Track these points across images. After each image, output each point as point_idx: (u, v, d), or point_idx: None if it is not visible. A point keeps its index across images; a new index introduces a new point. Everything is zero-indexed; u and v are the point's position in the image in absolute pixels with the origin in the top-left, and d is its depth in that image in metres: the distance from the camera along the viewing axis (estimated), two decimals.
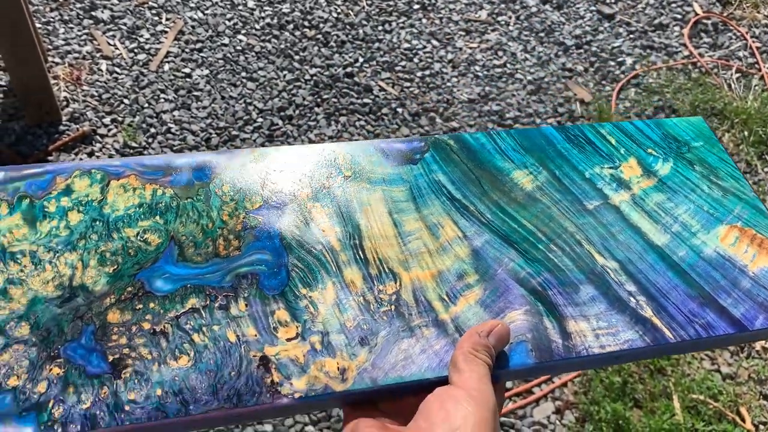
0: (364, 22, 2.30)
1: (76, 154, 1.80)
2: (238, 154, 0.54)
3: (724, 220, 0.56)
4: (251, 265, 0.48)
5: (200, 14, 2.24)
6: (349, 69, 2.14)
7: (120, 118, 1.90)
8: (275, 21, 2.26)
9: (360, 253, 0.50)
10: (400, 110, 2.04)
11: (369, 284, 0.48)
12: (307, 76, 2.10)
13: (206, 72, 2.06)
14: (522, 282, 0.50)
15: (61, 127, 1.85)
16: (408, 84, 2.12)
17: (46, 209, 0.49)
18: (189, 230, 0.49)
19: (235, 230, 0.50)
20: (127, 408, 0.40)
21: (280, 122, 1.96)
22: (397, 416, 0.43)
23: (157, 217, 0.49)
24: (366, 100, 2.05)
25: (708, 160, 0.61)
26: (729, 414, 1.45)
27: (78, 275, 0.46)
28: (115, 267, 0.47)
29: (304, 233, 0.50)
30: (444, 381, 0.43)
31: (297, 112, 1.99)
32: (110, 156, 1.81)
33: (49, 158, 1.78)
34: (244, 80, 2.06)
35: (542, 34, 2.35)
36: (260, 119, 1.95)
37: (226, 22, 2.23)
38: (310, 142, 1.92)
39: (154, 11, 2.22)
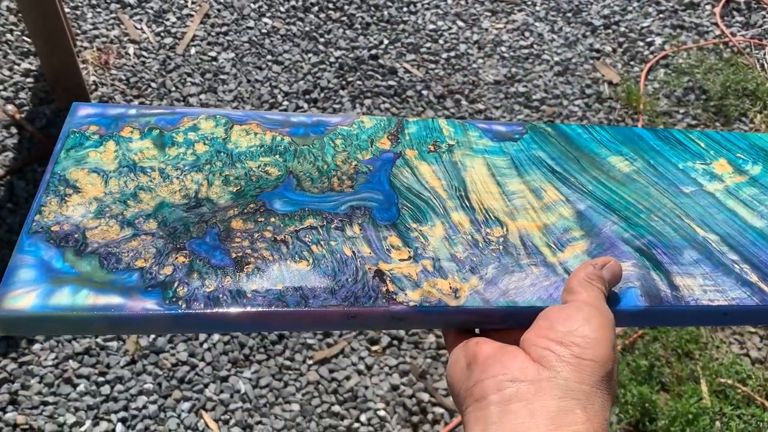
0: (389, 4, 2.29)
1: None
2: (351, 117, 0.57)
3: None
4: (363, 200, 0.50)
5: None
6: (374, 51, 2.13)
7: (148, 102, 1.92)
8: (300, 3, 2.25)
9: (466, 202, 0.51)
10: (425, 92, 2.03)
11: (476, 227, 0.49)
12: (332, 59, 2.09)
13: (232, 55, 2.07)
14: (627, 241, 0.50)
15: None
16: (433, 66, 2.11)
17: (174, 139, 0.53)
18: (305, 168, 0.52)
19: (348, 173, 0.52)
20: (249, 295, 0.43)
21: (306, 105, 1.96)
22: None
23: (277, 156, 0.53)
24: (391, 83, 2.04)
25: None
26: (758, 398, 1.44)
27: (203, 190, 0.49)
28: (238, 188, 0.50)
29: (412, 182, 0.52)
30: None
31: (322, 95, 2.00)
32: None
33: None
34: (270, 63, 2.06)
35: (569, 14, 2.32)
36: (285, 102, 1.96)
37: (252, 5, 2.23)
38: None
39: None
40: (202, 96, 1.94)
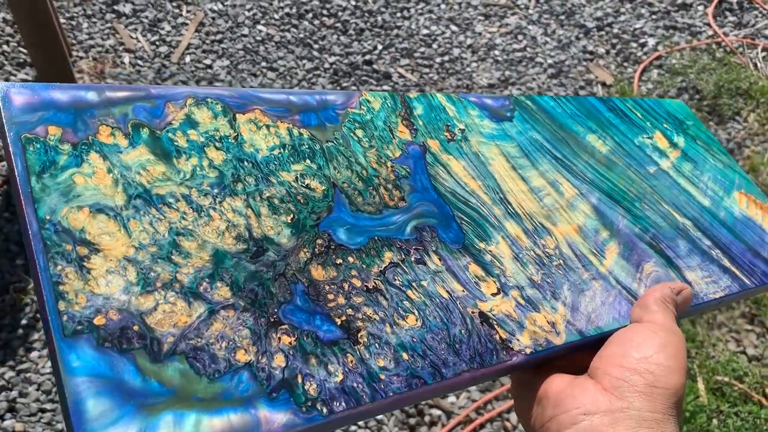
0: (383, 9, 2.30)
1: None
2: (352, 96, 0.50)
3: (732, 187, 0.61)
4: (423, 218, 0.45)
5: (220, 5, 2.26)
6: (368, 56, 2.14)
7: None
8: (294, 10, 2.27)
9: (510, 207, 0.49)
10: None
11: (532, 239, 0.47)
12: (327, 65, 2.11)
13: (227, 63, 2.08)
14: (640, 237, 0.51)
15: None
16: (427, 70, 2.12)
17: (176, 143, 0.41)
18: (346, 176, 0.45)
19: (390, 179, 0.46)
20: (382, 377, 0.36)
21: None
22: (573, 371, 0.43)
23: (308, 161, 0.44)
24: (385, 87, 2.05)
25: (702, 137, 0.65)
26: (755, 396, 1.44)
27: (254, 225, 0.39)
28: (291, 216, 0.41)
29: (454, 186, 0.48)
30: None
31: None
32: None
33: None
34: (264, 70, 2.07)
35: (562, 17, 2.33)
36: None
37: (246, 12, 2.24)
38: None
39: (174, 4, 2.24)
40: None
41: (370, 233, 0.42)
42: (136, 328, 0.32)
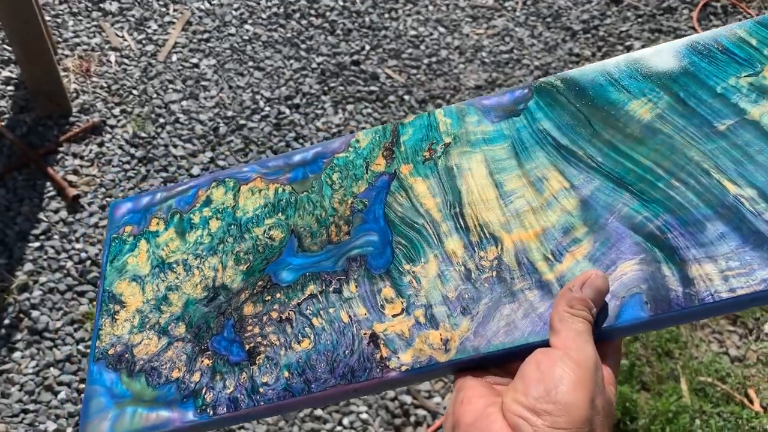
0: (371, 10, 2.30)
1: (87, 144, 1.82)
2: (348, 138, 0.57)
3: None
4: (360, 248, 0.50)
5: (207, 4, 2.25)
6: (355, 57, 2.14)
7: (129, 109, 1.92)
8: (282, 10, 2.26)
9: (461, 221, 0.49)
10: (407, 97, 2.04)
11: (470, 252, 0.48)
12: (314, 65, 2.10)
13: (213, 62, 2.07)
14: (637, 228, 0.45)
15: (71, 119, 1.87)
16: (415, 71, 2.12)
17: (192, 221, 0.56)
18: (306, 222, 0.53)
19: (345, 216, 0.52)
20: (261, 390, 0.46)
21: (288, 111, 1.97)
22: (506, 374, 0.43)
23: (279, 214, 0.54)
24: (373, 88, 2.05)
25: None
26: (737, 396, 1.46)
27: (219, 276, 0.52)
28: (248, 264, 0.52)
29: (407, 210, 0.51)
30: (548, 344, 0.41)
31: (304, 100, 2.00)
32: (120, 147, 1.83)
33: (60, 149, 1.80)
34: (252, 69, 2.07)
35: (549, 19, 2.34)
36: (267, 108, 1.97)
37: (233, 11, 2.24)
38: (318, 130, 1.93)
39: (161, 2, 2.23)
40: (184, 103, 1.94)
41: (303, 270, 0.51)
42: (126, 356, 0.50)
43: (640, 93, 0.50)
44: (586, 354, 0.39)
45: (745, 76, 0.49)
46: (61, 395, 1.38)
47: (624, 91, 0.51)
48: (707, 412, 1.42)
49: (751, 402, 1.45)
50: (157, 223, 0.57)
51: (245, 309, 0.50)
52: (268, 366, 0.47)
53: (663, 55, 0.52)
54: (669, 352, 1.53)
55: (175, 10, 2.21)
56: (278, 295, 0.50)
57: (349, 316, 0.48)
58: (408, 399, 1.44)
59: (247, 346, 0.48)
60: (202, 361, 0.48)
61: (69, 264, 1.60)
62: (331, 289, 0.49)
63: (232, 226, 0.54)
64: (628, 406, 1.40)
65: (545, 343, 0.41)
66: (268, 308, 0.49)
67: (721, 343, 1.57)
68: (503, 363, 0.43)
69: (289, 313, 0.49)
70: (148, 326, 0.51)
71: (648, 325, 0.42)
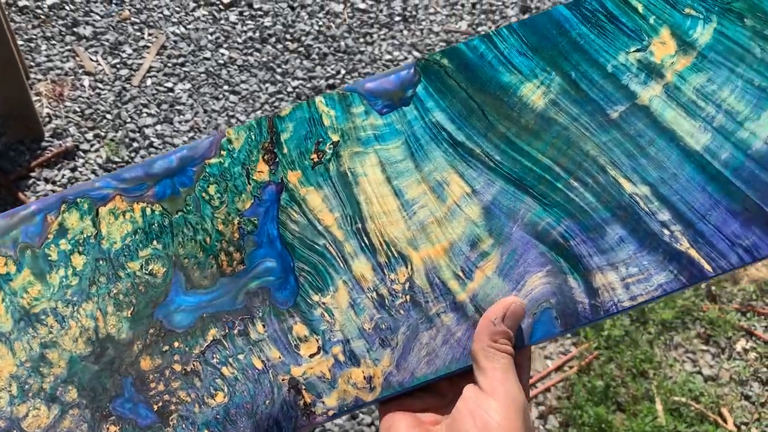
0: (346, 35, 2.32)
1: (59, 170, 1.80)
2: (216, 137, 0.49)
3: None
4: (259, 278, 0.46)
5: (182, 29, 2.25)
6: (331, 81, 2.15)
7: (103, 134, 1.90)
8: (257, 35, 2.27)
9: (365, 239, 0.46)
10: None
11: (380, 275, 0.45)
12: (290, 89, 2.11)
13: (188, 86, 2.07)
14: (541, 236, 0.45)
15: (44, 143, 1.85)
16: None
17: (49, 258, 0.47)
18: (189, 250, 0.47)
19: (234, 240, 0.46)
20: None
21: None
22: (433, 395, 0.44)
23: (155, 242, 0.47)
24: None
25: (763, 5, 0.47)
26: (711, 415, 1.47)
27: (101, 325, 0.45)
28: (131, 309, 0.46)
29: (304, 227, 0.46)
30: (470, 368, 0.42)
31: None
32: (93, 172, 1.82)
33: (32, 174, 1.78)
34: (227, 93, 2.07)
35: None
36: None
37: (209, 36, 2.24)
38: None
39: (136, 27, 2.23)
40: (158, 127, 1.94)
41: (199, 311, 0.45)
42: (14, 431, 0.43)
43: (531, 74, 0.48)
44: (515, 395, 0.39)
45: (633, 51, 0.48)
46: None
47: (515, 72, 0.48)
48: (682, 431, 1.43)
49: (725, 421, 1.46)
50: (5, 263, 0.46)
51: (142, 363, 0.44)
52: (184, 426, 0.43)
53: (550, 24, 0.50)
54: (644, 372, 1.54)
55: (150, 35, 2.21)
56: (176, 344, 0.45)
57: (263, 362, 0.44)
58: None
59: (155, 406, 0.43)
60: (108, 429, 0.43)
61: None
62: (235, 331, 0.45)
63: (101, 262, 0.46)
64: (603, 427, 1.41)
65: (467, 369, 0.43)
66: (168, 360, 0.44)
67: (694, 363, 1.58)
68: (429, 388, 0.44)
69: (193, 364, 0.44)
70: (30, 394, 0.44)
71: (559, 336, 0.45)
